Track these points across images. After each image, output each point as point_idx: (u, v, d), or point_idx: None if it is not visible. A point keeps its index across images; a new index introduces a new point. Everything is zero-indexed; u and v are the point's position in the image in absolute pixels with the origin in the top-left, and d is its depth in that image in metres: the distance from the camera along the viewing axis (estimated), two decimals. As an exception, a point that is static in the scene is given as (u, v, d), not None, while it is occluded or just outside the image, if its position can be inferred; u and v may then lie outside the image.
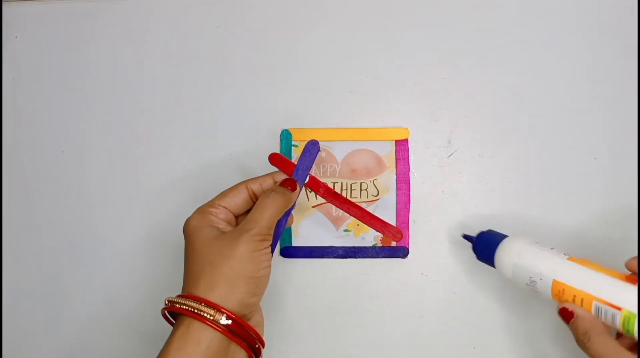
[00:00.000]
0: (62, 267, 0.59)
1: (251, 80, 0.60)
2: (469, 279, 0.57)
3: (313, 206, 0.58)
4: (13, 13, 0.62)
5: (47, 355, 0.59)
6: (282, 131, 0.58)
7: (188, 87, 0.60)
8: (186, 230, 0.47)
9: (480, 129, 0.58)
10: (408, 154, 0.58)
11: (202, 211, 0.48)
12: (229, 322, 0.42)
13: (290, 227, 0.57)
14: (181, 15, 0.61)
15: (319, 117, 0.59)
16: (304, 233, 0.57)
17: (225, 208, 0.48)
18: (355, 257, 0.57)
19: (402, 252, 0.57)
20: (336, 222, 0.58)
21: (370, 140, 0.58)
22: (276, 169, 0.52)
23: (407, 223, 0.57)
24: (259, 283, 0.45)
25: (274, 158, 0.52)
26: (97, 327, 0.59)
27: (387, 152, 0.58)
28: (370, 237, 0.57)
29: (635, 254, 0.56)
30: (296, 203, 0.51)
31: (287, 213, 0.50)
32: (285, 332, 0.57)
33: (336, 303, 0.57)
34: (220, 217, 0.48)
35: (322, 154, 0.58)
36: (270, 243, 0.47)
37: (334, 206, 0.57)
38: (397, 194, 0.58)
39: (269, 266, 0.46)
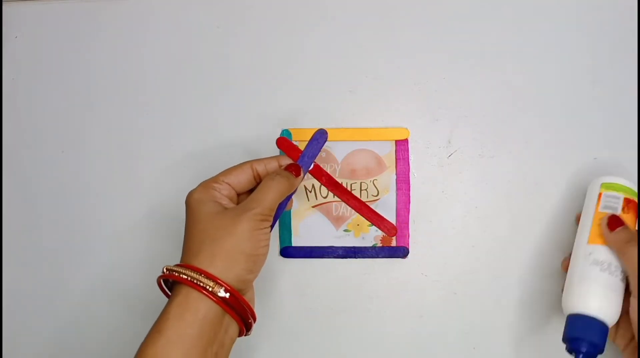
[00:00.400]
0: (62, 267, 0.59)
1: (251, 80, 0.60)
2: (469, 279, 0.57)
3: (313, 206, 0.58)
4: (13, 13, 0.62)
5: (46, 348, 0.59)
6: (282, 130, 0.58)
7: (188, 87, 0.60)
8: (189, 202, 0.48)
9: (480, 129, 0.58)
10: (408, 154, 0.58)
11: (205, 185, 0.48)
12: (227, 295, 0.43)
13: (291, 228, 0.57)
14: (181, 16, 0.61)
15: (319, 117, 0.59)
16: (304, 233, 0.57)
17: (229, 184, 0.49)
18: (355, 257, 0.57)
19: (402, 252, 0.57)
20: (336, 222, 0.58)
21: (370, 140, 0.58)
22: (281, 153, 0.52)
23: (407, 223, 0.57)
24: (257, 260, 0.46)
25: (281, 142, 0.53)
26: (98, 327, 0.59)
27: (387, 152, 0.58)
28: (370, 237, 0.57)
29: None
30: (296, 197, 0.52)
31: (288, 197, 0.51)
32: (286, 332, 0.57)
33: (336, 303, 0.57)
34: (224, 193, 0.49)
35: (322, 154, 0.58)
36: (270, 223, 0.48)
37: (334, 206, 0.57)
38: (397, 194, 0.58)
39: (268, 245, 0.47)
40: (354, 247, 0.57)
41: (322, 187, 0.58)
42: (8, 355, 0.59)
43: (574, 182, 0.57)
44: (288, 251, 0.57)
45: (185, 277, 0.43)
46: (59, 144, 0.60)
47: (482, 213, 0.57)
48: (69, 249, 0.59)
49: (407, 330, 0.57)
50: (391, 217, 0.57)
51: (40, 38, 0.62)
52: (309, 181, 0.58)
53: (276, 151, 0.56)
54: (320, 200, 0.58)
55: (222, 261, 0.44)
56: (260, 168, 0.50)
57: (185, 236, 0.47)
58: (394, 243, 0.57)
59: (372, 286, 0.57)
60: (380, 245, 0.57)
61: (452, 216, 0.57)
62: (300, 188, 0.58)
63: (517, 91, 0.58)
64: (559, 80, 0.58)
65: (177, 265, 0.45)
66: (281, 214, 0.51)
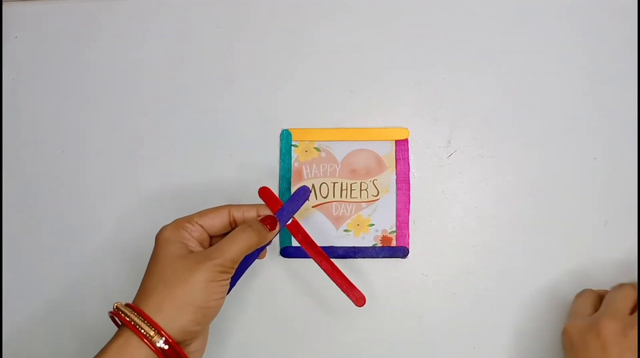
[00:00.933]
0: (62, 267, 0.59)
1: (251, 80, 0.60)
2: (469, 279, 0.57)
3: (313, 206, 0.58)
4: (13, 13, 0.62)
5: (46, 348, 0.59)
6: (282, 131, 0.58)
7: (188, 87, 0.60)
8: (158, 239, 0.47)
9: (480, 129, 0.58)
10: (408, 154, 0.58)
11: (178, 224, 0.48)
12: (166, 346, 0.43)
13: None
14: (181, 16, 0.61)
15: (319, 117, 0.59)
16: None
17: (202, 226, 0.48)
18: (355, 257, 0.57)
19: (402, 252, 0.57)
20: (336, 222, 0.58)
21: (370, 140, 0.58)
22: (263, 203, 0.51)
23: (407, 223, 0.57)
24: (207, 313, 0.45)
25: (263, 193, 0.51)
26: (98, 327, 0.59)
27: (387, 152, 0.58)
28: (370, 237, 0.57)
29: (635, 254, 0.57)
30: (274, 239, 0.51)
31: (261, 248, 0.50)
32: (286, 332, 0.57)
33: (336, 303, 0.57)
34: (194, 235, 0.48)
35: (322, 154, 0.58)
36: (230, 275, 0.47)
37: (334, 206, 0.58)
38: (397, 194, 0.58)
39: (223, 298, 0.46)
40: (354, 247, 0.57)
41: (322, 186, 0.58)
42: (8, 355, 0.59)
43: (573, 182, 0.57)
44: (288, 251, 0.57)
45: (129, 320, 0.43)
46: (59, 144, 0.60)
47: (482, 213, 0.57)
48: (68, 249, 0.59)
49: (407, 330, 0.57)
50: (391, 217, 0.57)
51: (40, 38, 0.62)
52: (309, 181, 0.58)
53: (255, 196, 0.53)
54: (320, 200, 0.58)
55: (169, 310, 0.44)
56: (238, 215, 0.49)
57: (145, 273, 0.47)
58: (394, 243, 0.57)
59: (372, 286, 0.57)
60: (381, 245, 0.57)
61: (452, 216, 0.58)
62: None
63: (517, 91, 0.58)
64: (558, 80, 0.58)
65: (126, 305, 0.45)
66: (250, 265, 0.49)
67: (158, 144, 0.60)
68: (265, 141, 0.59)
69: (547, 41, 0.58)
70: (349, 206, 0.58)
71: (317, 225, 0.58)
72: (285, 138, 0.58)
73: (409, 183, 0.58)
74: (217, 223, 0.49)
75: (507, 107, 0.58)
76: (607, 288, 0.56)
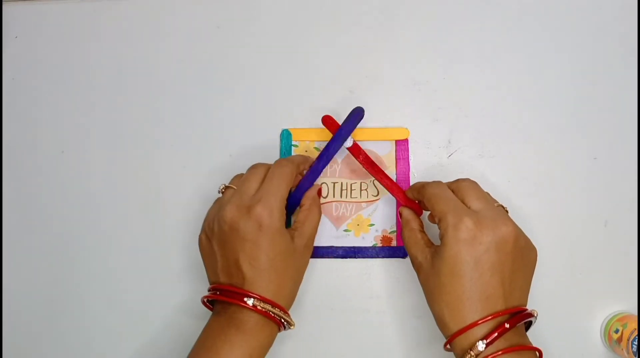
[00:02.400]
0: (62, 267, 0.59)
1: (251, 80, 0.60)
2: (469, 279, 0.57)
3: (313, 206, 0.58)
4: (13, 13, 0.62)
5: (46, 348, 0.59)
6: (283, 130, 0.58)
7: (188, 87, 0.60)
8: (270, 228, 0.48)
9: (480, 129, 0.58)
10: (408, 154, 0.58)
11: (282, 214, 0.50)
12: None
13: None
14: (181, 16, 0.61)
15: (319, 117, 0.59)
16: None
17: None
18: (355, 257, 0.57)
19: (402, 252, 0.57)
20: (336, 222, 0.58)
21: (370, 140, 0.58)
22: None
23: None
24: None
25: (325, 120, 0.55)
26: (98, 327, 0.59)
27: (387, 152, 0.58)
28: (370, 237, 0.57)
29: (635, 255, 0.57)
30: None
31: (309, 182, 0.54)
32: (285, 332, 0.57)
33: (336, 303, 0.57)
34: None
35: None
36: None
37: (334, 206, 0.58)
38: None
39: None
40: (354, 247, 0.57)
41: (322, 186, 0.58)
42: (8, 356, 0.59)
43: (574, 182, 0.57)
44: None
45: (274, 315, 0.48)
46: (59, 144, 0.60)
47: (482, 213, 0.57)
48: (69, 249, 0.59)
49: (407, 330, 0.57)
50: (391, 217, 0.58)
51: (40, 38, 0.62)
52: None
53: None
54: (321, 200, 0.58)
55: (289, 294, 0.51)
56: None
57: (257, 260, 0.48)
58: (394, 243, 0.57)
59: (372, 286, 0.57)
60: (381, 245, 0.57)
61: (452, 216, 0.57)
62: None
63: (517, 91, 0.58)
64: (559, 80, 0.58)
65: (262, 299, 0.48)
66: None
67: (157, 144, 0.60)
68: (265, 141, 0.59)
69: (547, 41, 0.59)
70: (349, 206, 0.58)
71: None
72: (286, 137, 0.58)
73: (409, 183, 0.58)
74: None
75: (507, 107, 0.58)
76: (607, 288, 0.56)
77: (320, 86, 0.59)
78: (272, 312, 0.47)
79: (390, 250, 0.57)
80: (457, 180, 0.51)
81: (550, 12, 0.59)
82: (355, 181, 0.58)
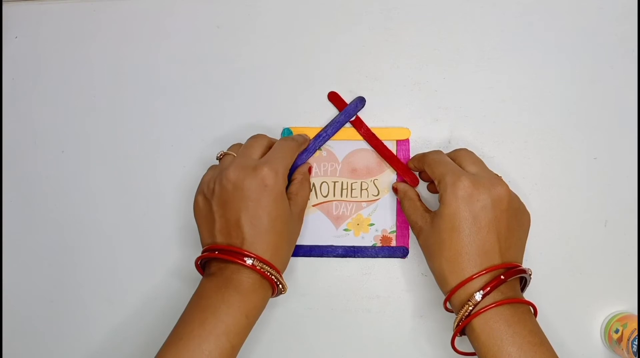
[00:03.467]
0: (62, 267, 0.59)
1: (252, 80, 0.60)
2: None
3: (313, 205, 0.58)
4: (13, 13, 0.62)
5: (46, 348, 0.59)
6: (283, 129, 0.58)
7: (188, 87, 0.60)
8: (276, 192, 0.50)
9: (480, 129, 0.58)
10: (409, 154, 0.58)
11: (285, 180, 0.51)
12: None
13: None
14: (181, 16, 0.61)
15: (319, 117, 0.59)
16: (303, 232, 0.58)
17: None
18: (354, 256, 0.57)
19: (401, 252, 0.57)
20: (336, 221, 0.58)
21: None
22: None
23: (407, 223, 0.57)
24: None
25: (332, 96, 0.59)
26: (98, 328, 0.59)
27: (388, 152, 0.58)
28: (370, 237, 0.57)
29: (635, 255, 0.57)
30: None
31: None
32: (286, 332, 0.58)
33: (336, 303, 0.57)
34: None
35: (323, 153, 0.58)
36: None
37: (334, 205, 0.58)
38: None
39: None
40: (353, 246, 0.57)
41: (322, 185, 0.58)
42: (8, 356, 0.59)
43: (574, 182, 0.57)
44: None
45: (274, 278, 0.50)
46: (59, 144, 0.60)
47: (482, 213, 0.57)
48: (69, 249, 0.59)
49: (407, 330, 0.57)
50: (391, 217, 0.58)
51: (40, 38, 0.62)
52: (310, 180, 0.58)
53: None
54: (321, 199, 0.58)
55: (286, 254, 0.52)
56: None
57: (261, 222, 0.49)
58: (393, 243, 0.57)
59: (372, 286, 0.58)
60: (380, 244, 0.57)
61: (452, 216, 0.57)
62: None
63: (517, 91, 0.58)
64: (559, 80, 0.58)
65: (262, 260, 0.49)
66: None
67: (158, 144, 0.60)
68: (269, 131, 0.59)
69: (547, 41, 0.59)
70: (349, 205, 0.58)
71: (317, 223, 0.58)
72: (286, 135, 0.58)
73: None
74: None
75: (507, 107, 0.58)
76: (607, 288, 0.56)
77: (321, 86, 0.59)
78: (270, 273, 0.49)
79: (390, 249, 0.57)
80: (455, 149, 0.54)
81: (550, 12, 0.59)
82: (356, 180, 0.58)
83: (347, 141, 0.58)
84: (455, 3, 0.59)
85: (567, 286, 0.57)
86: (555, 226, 0.57)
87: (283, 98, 0.59)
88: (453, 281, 0.48)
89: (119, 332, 0.59)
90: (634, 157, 0.57)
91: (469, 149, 0.54)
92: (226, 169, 0.50)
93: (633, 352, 0.51)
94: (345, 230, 0.58)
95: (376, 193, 0.58)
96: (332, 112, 0.59)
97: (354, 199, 0.58)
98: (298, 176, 0.56)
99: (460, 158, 0.52)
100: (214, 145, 0.59)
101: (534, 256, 0.56)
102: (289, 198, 0.52)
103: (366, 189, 0.58)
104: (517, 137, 0.58)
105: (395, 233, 0.58)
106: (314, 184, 0.58)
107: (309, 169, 0.58)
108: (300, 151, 0.56)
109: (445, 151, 0.57)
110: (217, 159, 0.54)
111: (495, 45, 0.59)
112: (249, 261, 0.47)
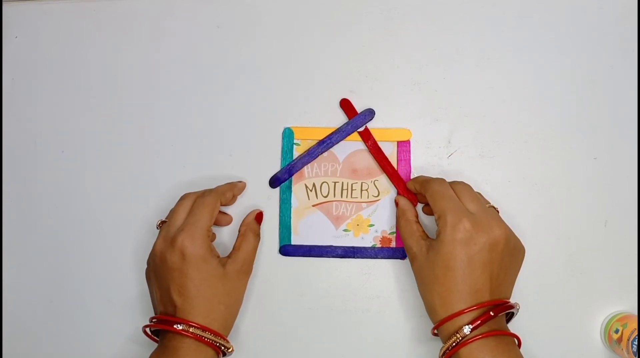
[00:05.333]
0: (62, 267, 0.59)
1: (252, 80, 0.60)
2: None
3: (313, 205, 0.58)
4: (13, 13, 0.62)
5: (46, 348, 0.59)
6: (285, 129, 0.59)
7: (188, 87, 0.60)
8: (190, 255, 0.51)
9: (480, 129, 0.58)
10: (409, 156, 0.58)
11: (204, 239, 0.52)
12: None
13: (291, 226, 0.58)
14: (181, 16, 0.61)
15: (319, 117, 0.59)
16: (303, 232, 0.58)
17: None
18: (354, 257, 0.57)
19: (401, 253, 0.57)
20: (336, 222, 0.58)
21: (371, 140, 0.59)
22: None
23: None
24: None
25: (344, 103, 0.59)
26: (98, 328, 0.59)
27: (389, 153, 0.58)
28: (369, 238, 0.58)
29: (635, 255, 0.57)
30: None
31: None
32: (285, 332, 0.58)
33: (336, 303, 0.58)
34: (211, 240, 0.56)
35: (323, 154, 0.58)
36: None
37: (334, 206, 0.58)
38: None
39: None
40: (353, 247, 0.57)
41: (323, 185, 0.58)
42: (8, 356, 0.59)
43: (574, 182, 0.57)
44: (287, 250, 0.58)
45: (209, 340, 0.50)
46: (59, 143, 0.61)
47: (482, 213, 0.57)
48: (69, 249, 0.60)
49: (407, 330, 0.57)
50: (391, 218, 0.58)
51: (40, 38, 0.62)
52: (310, 180, 0.58)
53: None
54: (321, 199, 0.58)
55: (221, 320, 0.52)
56: (223, 201, 0.56)
57: (184, 288, 0.50)
58: (393, 244, 0.58)
59: (372, 287, 0.58)
60: (380, 245, 0.58)
61: (452, 216, 0.58)
62: (301, 187, 0.58)
63: (517, 91, 0.59)
64: (559, 80, 0.58)
65: (190, 324, 0.50)
66: None
67: (158, 144, 0.60)
68: (265, 141, 0.59)
69: (547, 41, 0.59)
70: (349, 206, 0.58)
71: (317, 223, 0.58)
72: (287, 136, 0.59)
73: (409, 185, 0.58)
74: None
75: (507, 107, 0.58)
76: (607, 288, 0.56)
77: (320, 87, 0.59)
78: (204, 336, 0.50)
79: (389, 250, 0.57)
80: (453, 182, 0.54)
81: (550, 12, 0.59)
82: (356, 181, 0.58)
83: (348, 142, 0.59)
84: (455, 3, 0.59)
85: (568, 286, 0.57)
86: (555, 226, 0.57)
87: (283, 98, 0.60)
88: (442, 314, 0.49)
89: (119, 332, 0.59)
90: (634, 157, 0.57)
91: (466, 183, 0.54)
92: (155, 242, 0.53)
93: (633, 352, 0.51)
94: (345, 230, 0.58)
95: (376, 194, 0.58)
96: (331, 112, 0.59)
97: (354, 200, 0.58)
98: (242, 228, 0.57)
99: (458, 192, 0.53)
100: (214, 145, 0.59)
101: (534, 256, 0.56)
102: (229, 255, 0.54)
103: (366, 190, 0.58)
104: (517, 137, 0.58)
105: (394, 235, 0.58)
106: (313, 184, 0.58)
107: (257, 217, 0.58)
108: (224, 201, 0.56)
109: (446, 151, 0.58)
110: (157, 228, 0.55)
111: (495, 45, 0.59)
112: (178, 327, 0.49)
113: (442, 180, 0.54)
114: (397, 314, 0.57)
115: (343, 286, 0.58)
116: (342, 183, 0.58)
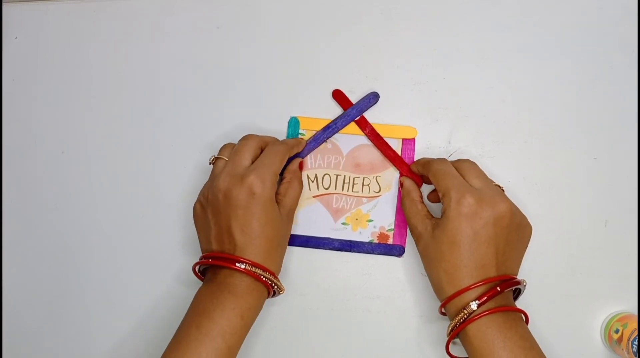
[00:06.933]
0: (62, 267, 0.60)
1: (252, 80, 0.61)
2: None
3: (314, 196, 0.59)
4: (13, 13, 0.63)
5: (46, 349, 0.60)
6: (291, 118, 0.59)
7: (189, 87, 0.61)
8: (265, 199, 0.51)
9: (480, 129, 0.59)
10: (414, 154, 0.59)
11: (273, 187, 0.52)
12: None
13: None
14: (181, 16, 0.62)
15: (319, 117, 0.59)
16: (302, 222, 0.59)
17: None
18: (350, 251, 0.58)
19: (397, 250, 0.57)
20: (335, 214, 0.58)
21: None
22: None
23: (406, 223, 0.57)
24: None
25: (337, 94, 0.59)
26: (98, 328, 0.59)
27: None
28: (367, 233, 0.58)
29: (635, 255, 0.57)
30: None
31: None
32: (285, 332, 0.58)
33: (336, 303, 0.58)
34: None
35: (328, 145, 0.59)
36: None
37: (334, 198, 0.58)
38: (398, 193, 0.58)
39: None
40: (350, 241, 0.58)
41: (325, 177, 0.59)
42: (8, 356, 0.59)
43: (574, 182, 0.58)
44: (289, 240, 0.58)
45: (269, 282, 0.51)
46: (59, 144, 0.61)
47: (482, 212, 0.58)
48: (68, 249, 0.60)
49: (408, 329, 0.57)
50: (391, 215, 0.58)
51: (40, 38, 0.62)
52: (312, 171, 0.59)
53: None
54: (322, 191, 0.58)
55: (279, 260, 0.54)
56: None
57: (253, 229, 0.51)
58: (390, 241, 0.58)
59: (372, 286, 0.58)
60: (377, 241, 0.58)
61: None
62: (303, 177, 0.59)
63: (517, 91, 0.59)
64: (559, 80, 0.59)
65: (259, 266, 0.51)
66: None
67: (158, 144, 0.60)
68: (270, 132, 0.59)
69: (547, 41, 0.59)
70: (350, 199, 0.58)
71: (316, 214, 0.59)
72: (293, 125, 0.59)
73: (412, 182, 0.58)
74: None
75: (507, 107, 0.59)
76: (607, 288, 0.56)
77: (321, 87, 0.60)
78: (263, 276, 0.51)
79: (386, 247, 0.58)
80: (459, 160, 0.55)
81: (550, 12, 0.59)
82: (359, 175, 0.59)
83: (353, 136, 0.59)
84: (455, 3, 0.60)
85: (568, 286, 0.57)
86: (555, 226, 0.58)
87: (283, 99, 0.60)
88: (450, 291, 0.50)
89: (119, 333, 0.59)
90: (634, 157, 0.58)
91: (471, 160, 0.55)
92: (217, 177, 0.53)
93: (633, 352, 0.52)
94: (344, 223, 0.58)
95: (377, 190, 0.59)
96: (331, 113, 0.59)
97: (354, 194, 0.59)
98: (287, 175, 0.57)
99: (464, 169, 0.53)
100: (214, 145, 0.60)
101: (534, 256, 0.57)
102: (277, 201, 0.54)
103: (368, 185, 0.59)
104: (517, 137, 0.59)
105: (393, 231, 0.58)
106: (315, 176, 0.59)
107: (300, 165, 0.59)
108: (291, 154, 0.57)
109: (446, 151, 0.58)
110: (209, 163, 0.55)
111: (495, 45, 0.59)
112: (241, 266, 0.50)
113: (443, 159, 0.55)
114: (397, 314, 0.58)
115: (343, 286, 0.58)
116: (344, 176, 0.59)
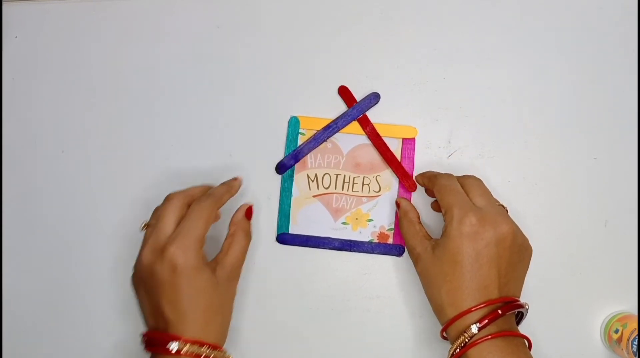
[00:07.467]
0: (62, 267, 0.60)
1: (253, 80, 0.61)
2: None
3: (314, 196, 0.59)
4: (13, 13, 0.63)
5: (46, 349, 0.60)
6: (291, 117, 0.59)
7: (189, 87, 0.61)
8: (184, 269, 0.48)
9: (480, 129, 0.59)
10: (414, 154, 0.59)
11: (199, 251, 0.49)
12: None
13: (289, 215, 0.59)
14: (181, 16, 0.62)
15: (319, 116, 0.59)
16: (302, 222, 0.59)
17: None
18: (350, 250, 0.58)
19: (397, 250, 0.58)
20: (335, 214, 0.58)
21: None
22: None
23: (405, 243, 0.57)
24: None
25: (342, 90, 0.59)
26: (98, 328, 0.59)
27: (393, 149, 0.59)
28: (367, 232, 0.58)
29: (635, 255, 0.57)
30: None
31: None
32: (286, 332, 0.58)
33: (336, 303, 0.58)
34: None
35: (328, 145, 0.59)
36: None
37: (334, 198, 0.59)
38: (398, 192, 0.58)
39: None
40: (350, 240, 0.58)
41: (325, 177, 0.59)
42: (8, 356, 0.59)
43: (574, 182, 0.58)
44: (284, 238, 0.58)
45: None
46: (59, 144, 0.61)
47: (482, 212, 0.58)
48: (69, 249, 0.60)
49: (408, 330, 0.57)
50: (390, 214, 0.58)
51: (40, 38, 0.62)
52: (312, 170, 0.59)
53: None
54: (322, 190, 0.59)
55: (218, 331, 0.51)
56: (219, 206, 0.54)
57: (178, 300, 0.48)
58: (390, 241, 0.58)
59: (372, 286, 0.58)
60: (377, 241, 0.58)
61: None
62: (303, 177, 0.59)
63: (517, 91, 0.59)
64: (558, 80, 0.59)
65: (186, 340, 0.48)
66: None
67: (158, 144, 0.60)
68: (264, 141, 0.59)
69: (547, 41, 0.59)
70: (350, 199, 0.59)
71: (316, 214, 0.59)
72: (293, 124, 0.59)
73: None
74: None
75: (507, 108, 0.59)
76: (607, 288, 0.57)
77: (321, 87, 0.60)
78: (201, 353, 0.48)
79: (386, 246, 0.58)
80: (464, 176, 0.54)
81: (550, 12, 0.60)
82: (358, 175, 0.59)
83: (353, 135, 0.59)
84: (455, 3, 0.60)
85: (567, 286, 0.57)
86: (555, 226, 0.58)
87: (283, 99, 0.60)
88: (451, 313, 0.49)
89: (119, 333, 0.59)
90: (634, 157, 0.58)
91: (477, 177, 0.54)
92: (141, 251, 0.50)
93: (633, 352, 0.52)
94: (344, 223, 0.59)
95: (377, 190, 0.59)
96: (332, 113, 0.59)
97: (354, 194, 0.59)
98: (231, 228, 0.55)
99: (468, 186, 0.53)
100: (214, 145, 0.60)
101: (534, 257, 0.56)
102: (216, 260, 0.52)
103: (368, 184, 0.59)
104: (517, 137, 0.59)
105: (392, 231, 0.58)
106: (315, 175, 0.59)
107: (247, 212, 0.56)
108: (222, 204, 0.54)
109: (446, 151, 0.58)
110: (140, 230, 0.53)
111: (495, 45, 0.60)
112: (173, 347, 0.47)
113: (449, 175, 0.55)
114: (397, 314, 0.58)
115: (343, 286, 0.58)
116: (344, 175, 0.59)
